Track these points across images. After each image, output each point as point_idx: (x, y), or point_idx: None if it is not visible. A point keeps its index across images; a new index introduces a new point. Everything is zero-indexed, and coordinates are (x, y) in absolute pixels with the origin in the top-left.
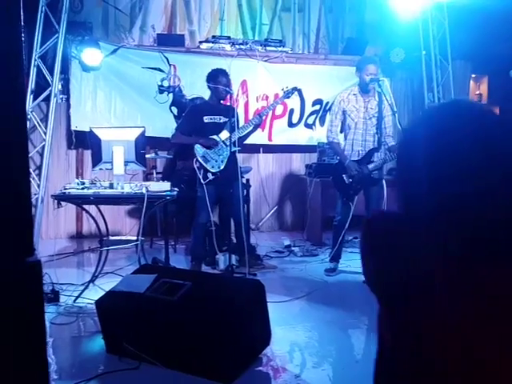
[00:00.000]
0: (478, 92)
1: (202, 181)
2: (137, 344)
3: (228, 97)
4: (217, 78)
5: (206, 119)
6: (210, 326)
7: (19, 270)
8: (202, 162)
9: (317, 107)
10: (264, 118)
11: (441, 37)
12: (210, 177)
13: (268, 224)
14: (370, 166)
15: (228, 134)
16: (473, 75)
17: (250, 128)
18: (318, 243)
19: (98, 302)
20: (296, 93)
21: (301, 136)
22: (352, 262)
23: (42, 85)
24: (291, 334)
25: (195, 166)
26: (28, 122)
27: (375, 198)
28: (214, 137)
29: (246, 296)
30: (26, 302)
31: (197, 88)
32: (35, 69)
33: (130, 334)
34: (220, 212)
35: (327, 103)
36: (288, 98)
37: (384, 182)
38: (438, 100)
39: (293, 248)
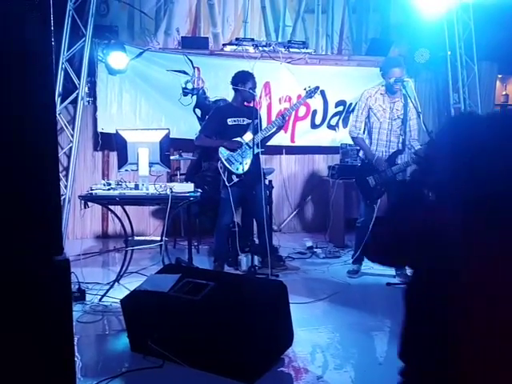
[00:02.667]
0: (504, 92)
1: (226, 183)
2: (161, 343)
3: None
4: (246, 80)
5: (230, 121)
6: (233, 325)
7: (48, 269)
8: (227, 165)
9: (340, 108)
10: (287, 118)
11: (466, 37)
12: (235, 179)
13: (290, 225)
14: (394, 169)
15: (251, 136)
16: (499, 75)
17: (273, 129)
18: (340, 245)
19: (123, 301)
20: (319, 92)
21: (324, 137)
22: (375, 264)
23: (69, 88)
24: (313, 336)
25: (219, 168)
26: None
27: None
28: (238, 139)
29: (268, 297)
30: (54, 300)
31: (220, 90)
32: (62, 72)
33: (154, 333)
34: (243, 213)
35: (350, 104)
36: (311, 97)
37: None
38: (464, 101)
39: (315, 249)
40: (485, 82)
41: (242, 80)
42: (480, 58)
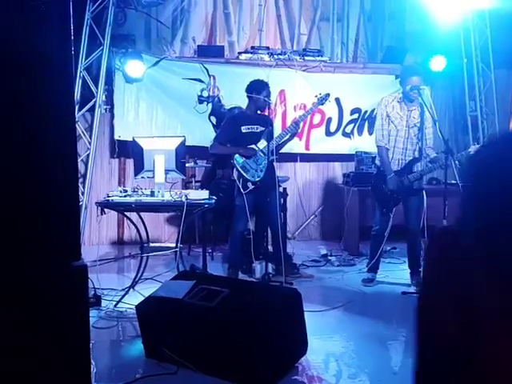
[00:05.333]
0: None
1: (241, 190)
2: (175, 349)
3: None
4: (261, 89)
5: (244, 129)
6: (247, 332)
7: (67, 274)
8: (242, 172)
9: (355, 116)
10: (301, 125)
11: (483, 44)
12: (250, 186)
13: (305, 233)
14: (411, 177)
15: (265, 143)
16: None
17: (287, 136)
18: (355, 253)
19: (138, 307)
20: (331, 99)
21: (338, 145)
22: (390, 273)
23: (87, 96)
24: (328, 344)
25: (234, 175)
26: None
27: (415, 208)
28: (253, 146)
29: (282, 304)
30: (71, 305)
31: (235, 98)
32: (80, 80)
33: (168, 339)
34: (257, 221)
35: (365, 112)
36: (322, 104)
37: (424, 192)
38: (480, 109)
39: (330, 257)
40: (501, 89)
41: (257, 89)
42: (496, 66)
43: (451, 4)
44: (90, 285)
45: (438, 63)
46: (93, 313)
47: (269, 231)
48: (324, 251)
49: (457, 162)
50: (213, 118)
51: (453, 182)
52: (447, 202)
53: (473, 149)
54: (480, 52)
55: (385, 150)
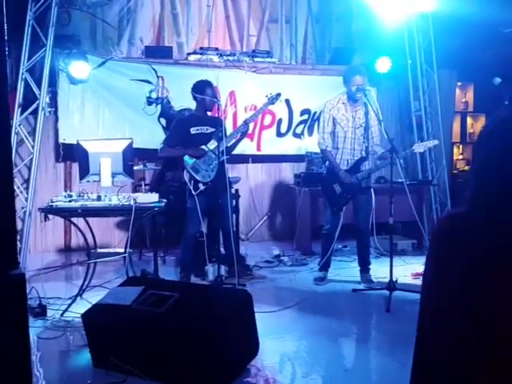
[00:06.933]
0: (464, 100)
1: (193, 192)
2: (123, 357)
3: (216, 107)
4: (203, 89)
5: (193, 130)
6: (197, 337)
7: (3, 284)
8: (193, 173)
9: (305, 117)
10: (251, 125)
11: (426, 45)
12: (201, 187)
13: (258, 234)
14: (359, 175)
15: (216, 144)
16: (459, 83)
17: (238, 136)
18: (307, 252)
19: (84, 315)
20: (281, 99)
21: (289, 146)
22: (341, 271)
23: (30, 98)
24: (280, 344)
25: (185, 177)
26: (16, 136)
27: (364, 206)
28: (203, 147)
29: (232, 307)
30: (9, 314)
31: (185, 99)
32: (23, 82)
33: (116, 347)
34: (209, 222)
35: (315, 113)
36: (273, 103)
37: (372, 190)
38: (424, 108)
39: (282, 257)
40: (445, 89)
41: (200, 89)
42: (440, 66)
43: (395, 5)
44: (35, 294)
45: (383, 65)
46: (38, 323)
47: (221, 233)
48: (277, 252)
49: (401, 160)
50: (162, 120)
51: (399, 180)
52: (393, 200)
53: (416, 146)
54: (424, 52)
55: (327, 151)
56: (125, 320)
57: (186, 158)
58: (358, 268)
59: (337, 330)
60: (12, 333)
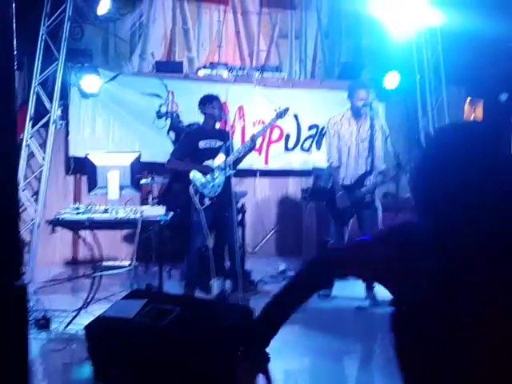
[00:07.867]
0: (473, 116)
1: (198, 206)
2: (124, 370)
3: (223, 121)
4: (210, 103)
5: (202, 144)
6: (198, 351)
7: (5, 295)
8: (199, 187)
9: (313, 131)
10: (257, 140)
11: (435, 61)
12: (207, 202)
13: (265, 248)
14: (364, 190)
15: (223, 158)
16: (468, 99)
17: (244, 151)
18: None
19: (87, 328)
20: (290, 114)
21: (297, 160)
22: (346, 288)
23: (41, 111)
24: (283, 362)
25: (191, 191)
26: (27, 148)
27: (368, 221)
28: (209, 163)
29: (232, 322)
30: (9, 326)
31: (194, 114)
32: (35, 95)
33: (117, 360)
34: (215, 237)
35: (323, 128)
36: (281, 118)
37: (380, 205)
38: (433, 124)
39: (288, 273)
40: (453, 105)
41: (206, 103)
42: (448, 82)
43: (404, 20)
44: (40, 306)
45: (391, 80)
46: (42, 335)
47: (226, 247)
48: (283, 267)
49: (408, 174)
50: (172, 134)
51: (407, 195)
52: (399, 216)
53: None
54: (432, 68)
55: (334, 168)
56: (126, 333)
57: (193, 171)
58: (364, 284)
59: (340, 348)
60: (11, 344)
